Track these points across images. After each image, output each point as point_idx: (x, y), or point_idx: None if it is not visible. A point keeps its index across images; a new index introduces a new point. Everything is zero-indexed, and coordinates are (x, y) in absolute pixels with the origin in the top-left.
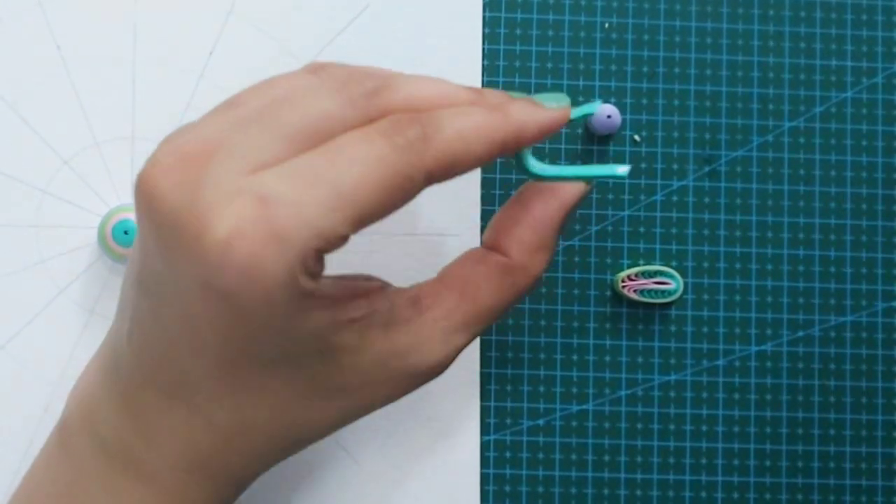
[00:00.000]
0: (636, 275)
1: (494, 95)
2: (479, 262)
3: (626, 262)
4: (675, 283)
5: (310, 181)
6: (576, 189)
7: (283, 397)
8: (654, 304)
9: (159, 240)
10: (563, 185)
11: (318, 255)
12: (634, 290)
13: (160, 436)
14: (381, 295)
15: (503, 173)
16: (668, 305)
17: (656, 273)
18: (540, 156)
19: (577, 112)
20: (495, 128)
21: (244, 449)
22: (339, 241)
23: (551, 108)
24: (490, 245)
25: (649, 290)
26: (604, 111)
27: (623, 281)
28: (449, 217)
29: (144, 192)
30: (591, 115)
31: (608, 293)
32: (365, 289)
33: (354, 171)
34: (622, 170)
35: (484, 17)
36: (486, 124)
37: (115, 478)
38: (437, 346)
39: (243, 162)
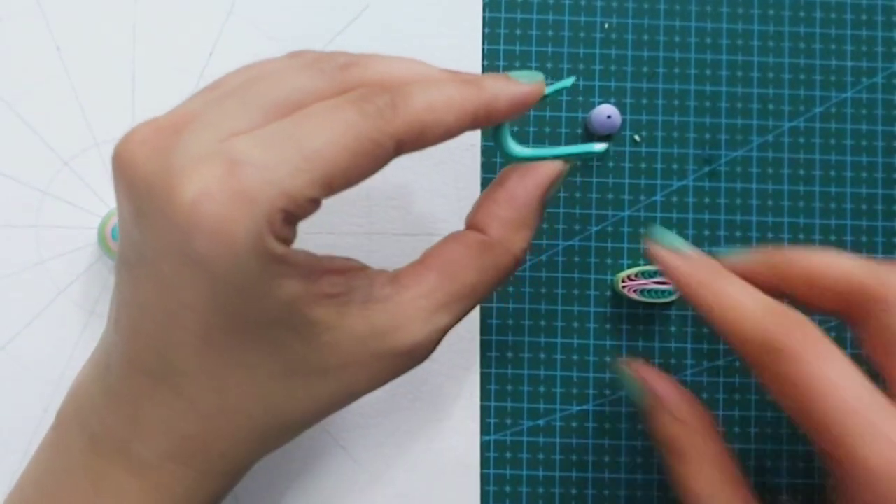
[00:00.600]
0: (636, 275)
1: (468, 74)
2: (458, 242)
3: (626, 262)
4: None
5: (277, 144)
6: (553, 167)
7: (263, 376)
8: (654, 304)
9: (134, 209)
10: (541, 164)
11: (287, 217)
12: (634, 290)
13: (147, 424)
14: (359, 273)
15: None
16: (668, 305)
17: (656, 273)
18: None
19: (551, 88)
20: (466, 98)
21: (228, 434)
22: (308, 204)
23: (524, 83)
24: (471, 225)
25: (650, 290)
26: (603, 111)
27: (623, 281)
28: (449, 217)
29: (120, 162)
30: (566, 88)
31: (608, 293)
32: (343, 266)
33: (322, 135)
34: (599, 146)
35: (484, 18)
36: (458, 95)
37: (104, 470)
38: (418, 325)
39: (216, 130)
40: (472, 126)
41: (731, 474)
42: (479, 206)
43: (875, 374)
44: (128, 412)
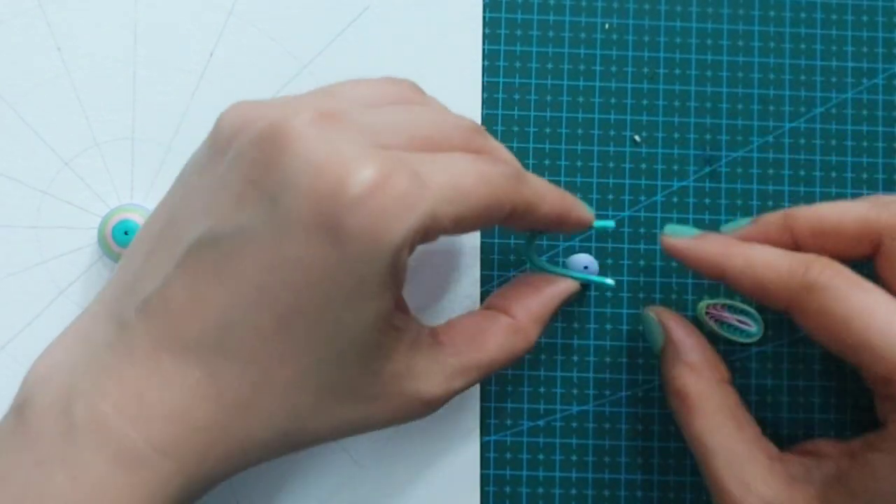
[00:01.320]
0: (722, 306)
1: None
2: (489, 319)
3: (626, 262)
4: (755, 327)
5: (439, 171)
6: (574, 284)
7: (305, 381)
8: (732, 342)
9: (277, 181)
10: (564, 278)
11: (421, 238)
12: (716, 320)
13: (154, 411)
14: (411, 317)
15: None
16: (746, 346)
17: (742, 312)
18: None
19: (598, 223)
20: (558, 198)
21: (242, 433)
22: (436, 232)
23: (585, 209)
24: (497, 307)
25: (729, 325)
26: (581, 261)
27: (707, 309)
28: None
29: (281, 128)
30: (608, 228)
31: (608, 294)
32: (403, 306)
33: (470, 179)
34: (609, 281)
35: (484, 18)
36: (556, 192)
37: (86, 462)
38: (442, 379)
39: (373, 136)
40: (546, 224)
41: (740, 421)
42: (507, 295)
43: None
44: (131, 396)
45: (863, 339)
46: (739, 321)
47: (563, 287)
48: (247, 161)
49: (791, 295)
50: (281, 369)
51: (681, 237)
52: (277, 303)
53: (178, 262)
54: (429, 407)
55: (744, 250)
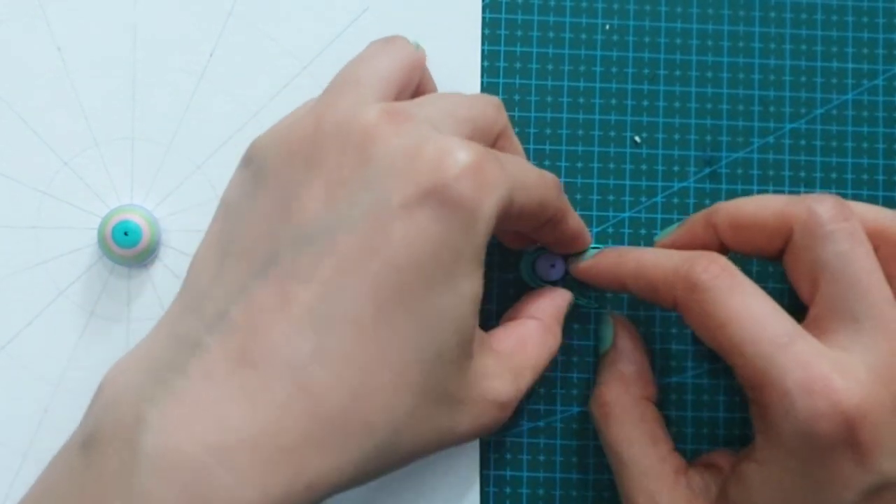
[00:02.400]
0: None
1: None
2: (520, 325)
3: None
4: None
5: (507, 162)
6: (571, 294)
7: (401, 387)
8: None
9: (367, 166)
10: (563, 291)
11: (499, 220)
12: None
13: (236, 432)
14: None
15: None
16: None
17: None
18: None
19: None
20: (578, 218)
21: (335, 446)
22: (507, 217)
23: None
24: (523, 316)
25: None
26: (548, 259)
27: None
28: None
29: (359, 127)
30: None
31: (609, 294)
32: None
33: (532, 175)
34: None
35: (484, 19)
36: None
37: (150, 497)
38: (511, 380)
39: (436, 126)
40: (564, 238)
41: (655, 437)
42: (528, 305)
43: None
44: (210, 422)
45: (735, 344)
46: None
47: (567, 294)
48: (328, 165)
49: (676, 294)
50: (381, 370)
51: (583, 260)
52: (379, 292)
53: (257, 272)
54: (503, 411)
55: (635, 255)
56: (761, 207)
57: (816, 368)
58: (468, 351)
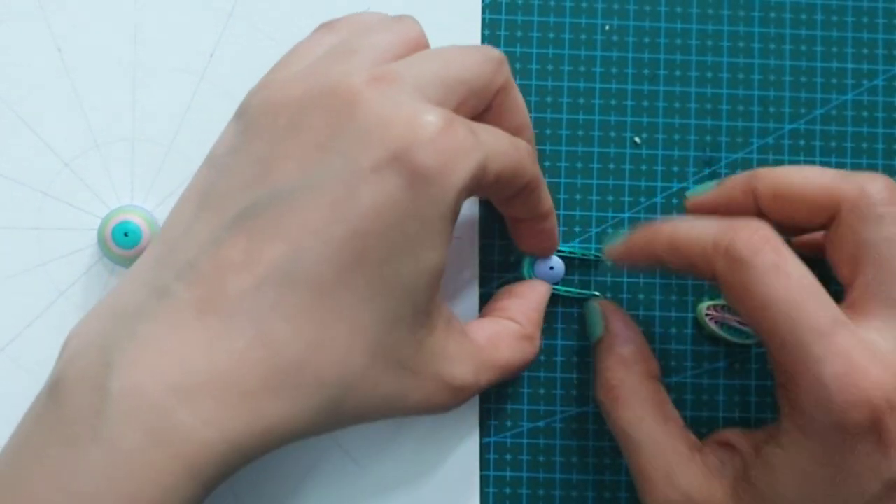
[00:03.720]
0: (721, 307)
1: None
2: (499, 324)
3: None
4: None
5: (480, 130)
6: (549, 288)
7: (354, 345)
8: (731, 343)
9: (344, 130)
10: (540, 283)
11: (471, 188)
12: (716, 322)
13: (196, 375)
14: (445, 303)
15: None
16: (746, 347)
17: None
18: None
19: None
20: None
21: (289, 394)
22: (481, 185)
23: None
24: (504, 316)
25: (731, 327)
26: (546, 261)
27: (707, 310)
28: None
29: (347, 94)
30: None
31: (608, 295)
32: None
33: (505, 142)
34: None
35: (484, 20)
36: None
37: (118, 434)
38: (472, 370)
39: (422, 91)
40: (538, 210)
41: (665, 415)
42: (509, 302)
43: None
44: (172, 364)
45: (776, 328)
46: (740, 322)
47: (543, 291)
48: (309, 128)
49: (716, 268)
50: (336, 328)
51: (614, 241)
52: (342, 254)
53: (229, 225)
54: (456, 396)
55: (669, 227)
56: (809, 179)
57: (856, 361)
58: (424, 323)
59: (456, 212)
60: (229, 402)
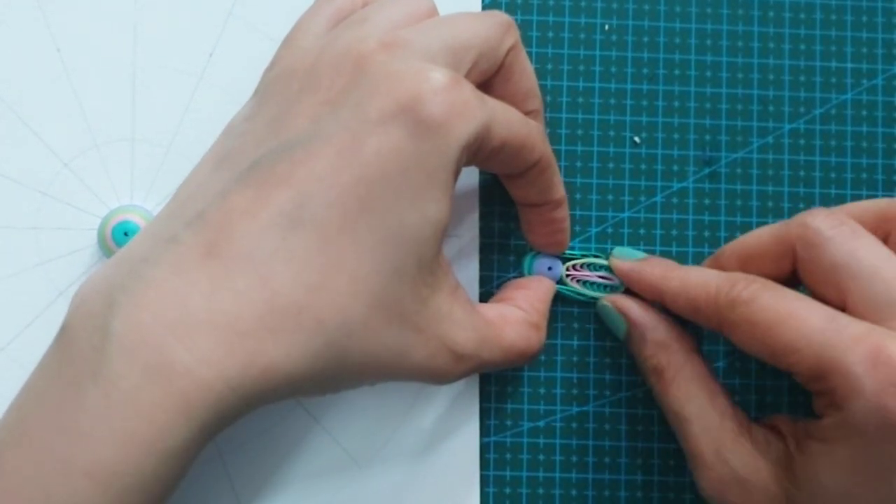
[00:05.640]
0: (581, 265)
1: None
2: (507, 309)
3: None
4: (618, 280)
5: (490, 100)
6: (553, 284)
7: (355, 293)
8: (593, 299)
9: (354, 86)
10: (546, 279)
11: (475, 150)
12: (578, 281)
13: (195, 314)
14: (452, 271)
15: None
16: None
17: (603, 268)
18: None
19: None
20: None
21: (288, 335)
22: (485, 148)
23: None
24: (513, 304)
25: (594, 284)
26: (544, 263)
27: (568, 270)
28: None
29: (355, 56)
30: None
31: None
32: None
33: (514, 114)
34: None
35: None
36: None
37: (116, 372)
38: (475, 339)
39: (431, 56)
40: (551, 194)
41: (712, 391)
42: (517, 292)
43: None
44: (172, 304)
45: (786, 343)
46: (602, 277)
47: (549, 285)
48: (320, 88)
49: (719, 312)
50: (338, 274)
51: (626, 260)
52: (347, 201)
53: (238, 178)
54: (458, 363)
55: (681, 273)
56: (758, 236)
57: (875, 340)
58: (428, 280)
59: (459, 166)
60: (226, 340)
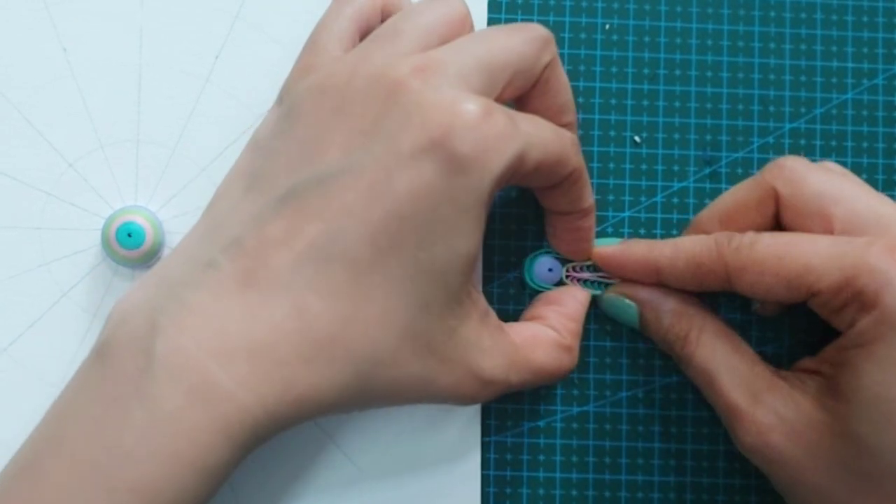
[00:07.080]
0: (581, 267)
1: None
2: (539, 330)
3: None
4: (616, 280)
5: (522, 119)
6: (588, 295)
7: (386, 325)
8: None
9: (387, 117)
10: (582, 291)
11: (509, 177)
12: (578, 281)
13: (234, 342)
14: (482, 296)
15: None
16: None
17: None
18: None
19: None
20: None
21: (322, 366)
22: (520, 173)
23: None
24: (543, 323)
25: (593, 283)
26: (545, 264)
27: (568, 272)
28: None
29: (389, 82)
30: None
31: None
32: (475, 282)
33: (548, 132)
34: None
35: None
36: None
37: (160, 394)
38: (504, 365)
39: (465, 80)
40: (581, 202)
41: (736, 344)
42: (544, 312)
43: None
44: (213, 331)
45: (801, 265)
46: (602, 277)
47: (582, 299)
48: (353, 115)
49: (724, 260)
50: (369, 307)
51: (608, 245)
52: (378, 235)
53: (273, 205)
54: (485, 388)
55: (669, 242)
56: (734, 192)
57: (885, 241)
58: (456, 311)
59: (491, 198)
60: (265, 368)
